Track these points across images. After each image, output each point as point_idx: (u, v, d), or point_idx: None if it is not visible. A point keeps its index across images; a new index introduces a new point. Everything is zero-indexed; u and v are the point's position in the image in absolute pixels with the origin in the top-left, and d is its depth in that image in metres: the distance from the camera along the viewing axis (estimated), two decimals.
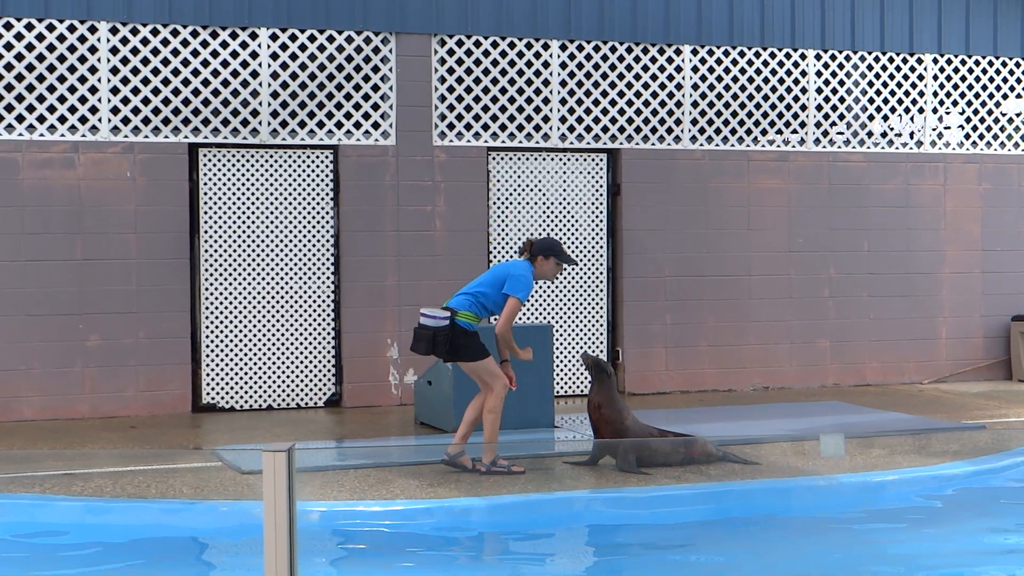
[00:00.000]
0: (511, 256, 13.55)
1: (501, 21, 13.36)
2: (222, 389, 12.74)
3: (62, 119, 12.28)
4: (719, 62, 14.17)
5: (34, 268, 12.12)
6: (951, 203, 15.02)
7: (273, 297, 12.86)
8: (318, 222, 13.00)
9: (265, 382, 12.86)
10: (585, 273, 13.90)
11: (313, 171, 12.98)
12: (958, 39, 14.94)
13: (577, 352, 13.83)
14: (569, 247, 13.79)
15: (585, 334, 13.89)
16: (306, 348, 12.98)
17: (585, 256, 13.90)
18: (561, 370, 13.76)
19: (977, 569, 7.53)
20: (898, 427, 11.40)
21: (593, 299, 13.93)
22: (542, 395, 11.31)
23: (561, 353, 13.73)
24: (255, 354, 12.82)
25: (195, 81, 12.55)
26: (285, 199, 12.89)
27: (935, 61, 14.91)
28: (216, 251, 12.69)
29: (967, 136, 15.14)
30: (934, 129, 15.04)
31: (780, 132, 14.60)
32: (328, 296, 13.03)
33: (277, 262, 12.88)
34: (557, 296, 13.79)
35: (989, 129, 15.17)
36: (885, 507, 8.85)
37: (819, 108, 14.58)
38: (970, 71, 15.04)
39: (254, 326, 12.81)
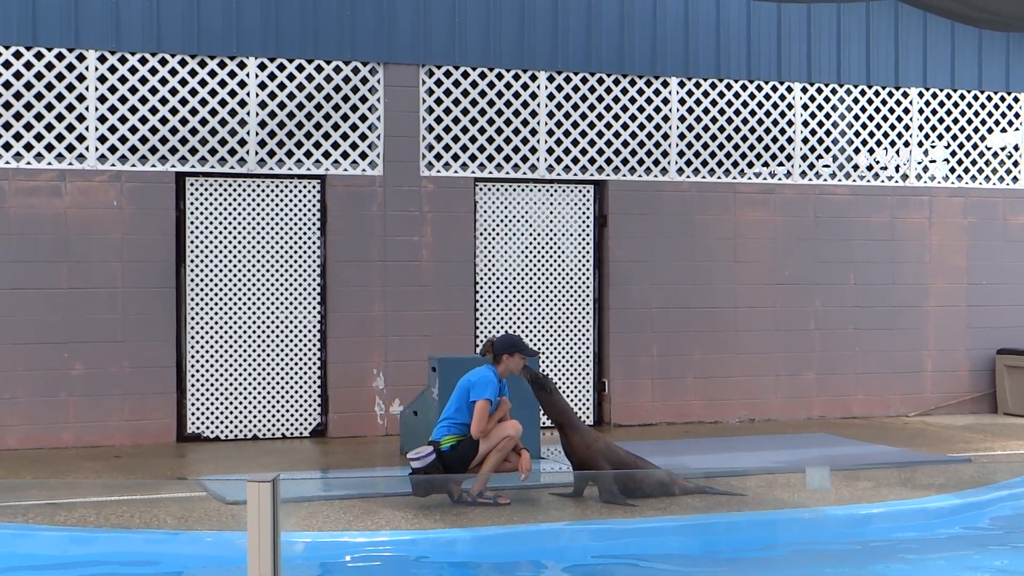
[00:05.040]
0: (496, 285, 13.56)
1: (489, 52, 13.41)
2: (207, 418, 12.70)
3: (49, 147, 12.27)
4: (706, 94, 14.23)
5: (19, 296, 12.09)
6: (936, 236, 15.07)
7: (259, 327, 12.84)
8: (305, 252, 13.00)
9: (250, 412, 12.83)
10: (571, 304, 13.91)
11: (300, 201, 12.98)
12: (943, 73, 15.03)
13: (564, 383, 13.82)
14: (555, 278, 13.81)
15: (571, 365, 13.89)
16: (292, 378, 12.95)
17: (571, 287, 13.91)
18: None
19: None
20: (884, 460, 11.40)
21: (579, 330, 13.93)
22: (528, 426, 11.28)
23: None
24: (240, 383, 12.78)
25: (183, 110, 12.56)
26: (272, 229, 12.89)
27: (920, 95, 14.99)
28: (202, 280, 12.67)
29: (952, 170, 15.21)
30: (919, 162, 15.11)
31: (766, 165, 14.65)
32: (314, 326, 13.01)
33: (263, 292, 12.86)
34: (543, 327, 13.79)
35: (974, 163, 15.24)
36: (871, 540, 8.84)
37: (805, 141, 14.64)
38: (955, 105, 15.13)
39: (240, 355, 12.78)
